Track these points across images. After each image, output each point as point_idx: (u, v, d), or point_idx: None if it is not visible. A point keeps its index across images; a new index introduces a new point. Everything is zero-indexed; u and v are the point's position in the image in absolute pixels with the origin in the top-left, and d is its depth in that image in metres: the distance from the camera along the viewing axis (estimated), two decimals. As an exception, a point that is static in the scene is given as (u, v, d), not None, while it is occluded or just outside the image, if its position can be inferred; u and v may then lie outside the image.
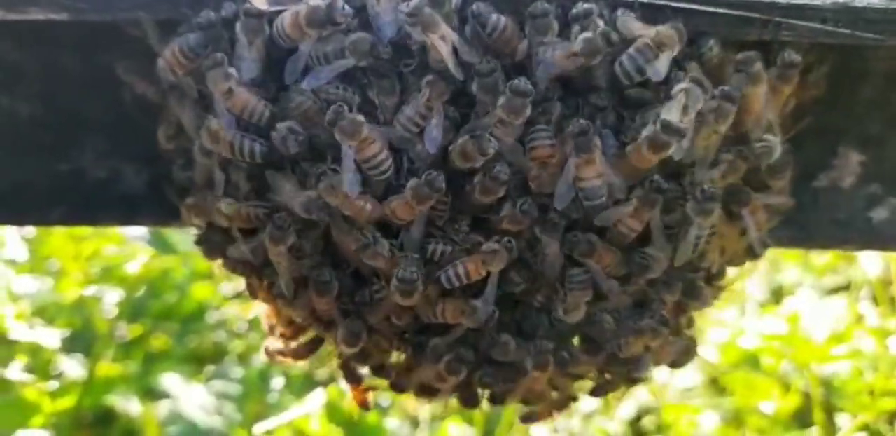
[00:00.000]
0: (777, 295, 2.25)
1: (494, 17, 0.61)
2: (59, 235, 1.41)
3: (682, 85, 0.62)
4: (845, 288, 2.18)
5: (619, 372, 0.76)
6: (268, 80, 0.66)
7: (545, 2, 0.61)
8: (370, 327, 0.70)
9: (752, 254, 0.73)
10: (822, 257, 2.23)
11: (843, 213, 0.79)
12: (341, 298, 0.68)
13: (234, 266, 0.75)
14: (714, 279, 0.74)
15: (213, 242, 0.74)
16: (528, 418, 0.81)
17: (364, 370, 0.79)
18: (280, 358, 0.81)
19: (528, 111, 0.61)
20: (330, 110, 0.61)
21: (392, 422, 1.39)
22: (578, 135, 0.61)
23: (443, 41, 0.61)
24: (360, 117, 0.61)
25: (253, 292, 0.77)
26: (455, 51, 0.62)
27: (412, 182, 0.62)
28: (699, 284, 0.70)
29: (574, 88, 0.64)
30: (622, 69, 0.62)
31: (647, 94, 0.64)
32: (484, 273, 0.65)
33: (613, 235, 0.66)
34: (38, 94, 0.76)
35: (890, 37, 0.62)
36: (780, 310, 1.88)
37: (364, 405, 0.81)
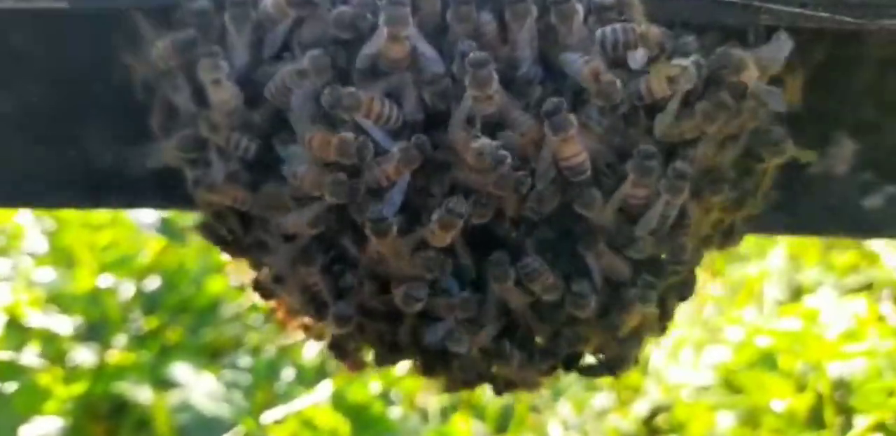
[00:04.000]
0: (797, 294, 2.22)
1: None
2: (75, 225, 1.43)
3: (683, 61, 0.62)
4: (867, 287, 2.15)
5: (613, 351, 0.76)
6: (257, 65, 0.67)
7: None
8: (362, 308, 0.71)
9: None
10: (842, 256, 2.20)
11: (836, 200, 0.79)
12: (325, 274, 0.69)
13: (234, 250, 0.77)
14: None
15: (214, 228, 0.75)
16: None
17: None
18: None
19: (496, 82, 0.61)
20: (324, 95, 0.62)
21: (396, 411, 1.40)
22: (551, 114, 0.61)
23: (399, 45, 0.61)
24: (351, 89, 0.62)
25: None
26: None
27: (401, 144, 0.63)
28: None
29: (555, 68, 0.64)
30: (602, 35, 0.62)
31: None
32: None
33: (627, 207, 0.66)
34: (44, 80, 0.77)
35: (870, 20, 0.62)
36: (798, 309, 1.86)
37: (358, 368, 0.81)
